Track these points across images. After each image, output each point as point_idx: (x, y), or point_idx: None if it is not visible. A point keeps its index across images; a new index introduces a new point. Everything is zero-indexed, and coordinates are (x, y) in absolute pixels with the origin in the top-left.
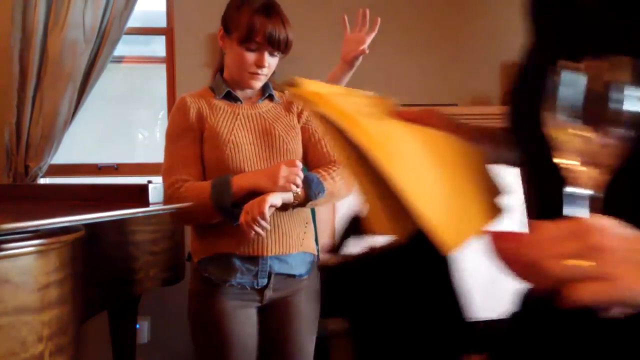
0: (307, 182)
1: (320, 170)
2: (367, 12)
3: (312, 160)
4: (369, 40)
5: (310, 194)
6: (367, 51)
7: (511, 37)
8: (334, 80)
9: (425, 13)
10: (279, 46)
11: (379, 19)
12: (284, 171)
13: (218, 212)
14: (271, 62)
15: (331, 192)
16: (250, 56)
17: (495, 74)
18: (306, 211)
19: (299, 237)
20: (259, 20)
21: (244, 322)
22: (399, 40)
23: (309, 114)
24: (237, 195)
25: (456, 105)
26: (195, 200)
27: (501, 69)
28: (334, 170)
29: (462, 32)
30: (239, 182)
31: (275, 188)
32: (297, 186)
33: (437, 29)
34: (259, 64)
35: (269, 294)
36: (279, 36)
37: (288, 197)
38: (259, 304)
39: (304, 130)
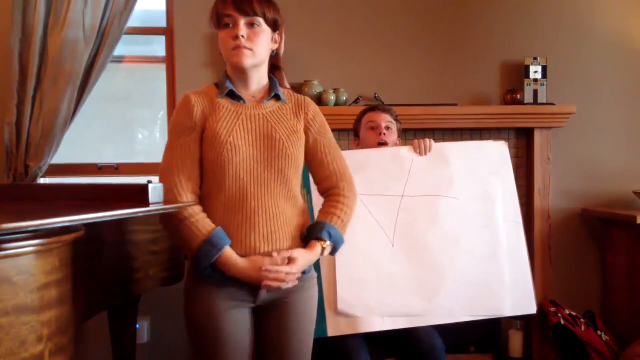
0: (333, 239)
1: (335, 212)
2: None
3: (317, 176)
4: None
5: (334, 251)
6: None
7: (511, 37)
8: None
9: (425, 14)
10: (248, 11)
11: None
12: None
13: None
14: (252, 34)
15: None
16: (228, 32)
17: (495, 74)
18: (304, 215)
19: (295, 239)
20: None
21: (237, 321)
22: (399, 41)
23: (319, 125)
24: (218, 266)
25: (456, 105)
26: (185, 240)
27: (501, 69)
28: (344, 205)
29: (462, 32)
30: (227, 262)
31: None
32: (284, 281)
33: (437, 30)
34: (233, 34)
35: (263, 294)
36: (244, 3)
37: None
38: (253, 304)
39: (314, 143)
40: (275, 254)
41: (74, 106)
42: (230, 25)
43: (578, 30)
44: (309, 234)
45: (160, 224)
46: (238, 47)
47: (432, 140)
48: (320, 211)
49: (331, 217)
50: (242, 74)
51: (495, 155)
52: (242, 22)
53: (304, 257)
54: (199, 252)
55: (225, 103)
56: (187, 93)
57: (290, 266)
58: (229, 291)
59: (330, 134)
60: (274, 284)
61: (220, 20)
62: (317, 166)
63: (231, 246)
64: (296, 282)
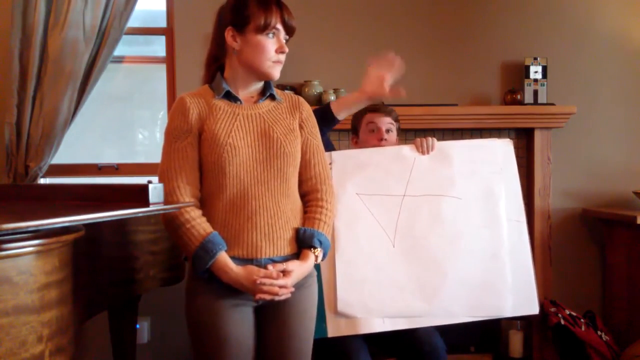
0: (323, 246)
1: (321, 217)
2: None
3: (300, 176)
4: (389, 79)
5: (323, 255)
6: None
7: (511, 37)
8: (345, 104)
9: (425, 14)
10: (291, 32)
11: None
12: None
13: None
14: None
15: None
16: (272, 43)
17: (495, 74)
18: (303, 212)
19: (294, 240)
20: (273, 8)
21: (240, 321)
22: (400, 41)
23: (311, 126)
24: (214, 272)
25: (456, 105)
26: (183, 245)
27: (501, 69)
28: (327, 210)
29: (462, 32)
30: (220, 269)
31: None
32: (277, 294)
33: (437, 30)
34: (282, 50)
35: None
36: (291, 22)
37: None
38: (255, 304)
39: (305, 143)
40: (270, 267)
41: (74, 106)
42: (272, 36)
43: (578, 30)
44: (300, 243)
45: (165, 229)
46: (280, 62)
47: (435, 139)
48: (305, 217)
49: (317, 222)
50: (253, 79)
51: (499, 154)
52: (285, 39)
53: (299, 269)
54: (194, 258)
55: (221, 104)
56: (182, 95)
57: (284, 279)
58: (232, 290)
59: (319, 137)
60: (267, 297)
61: (266, 26)
62: (303, 166)
63: (234, 246)
64: (289, 295)
